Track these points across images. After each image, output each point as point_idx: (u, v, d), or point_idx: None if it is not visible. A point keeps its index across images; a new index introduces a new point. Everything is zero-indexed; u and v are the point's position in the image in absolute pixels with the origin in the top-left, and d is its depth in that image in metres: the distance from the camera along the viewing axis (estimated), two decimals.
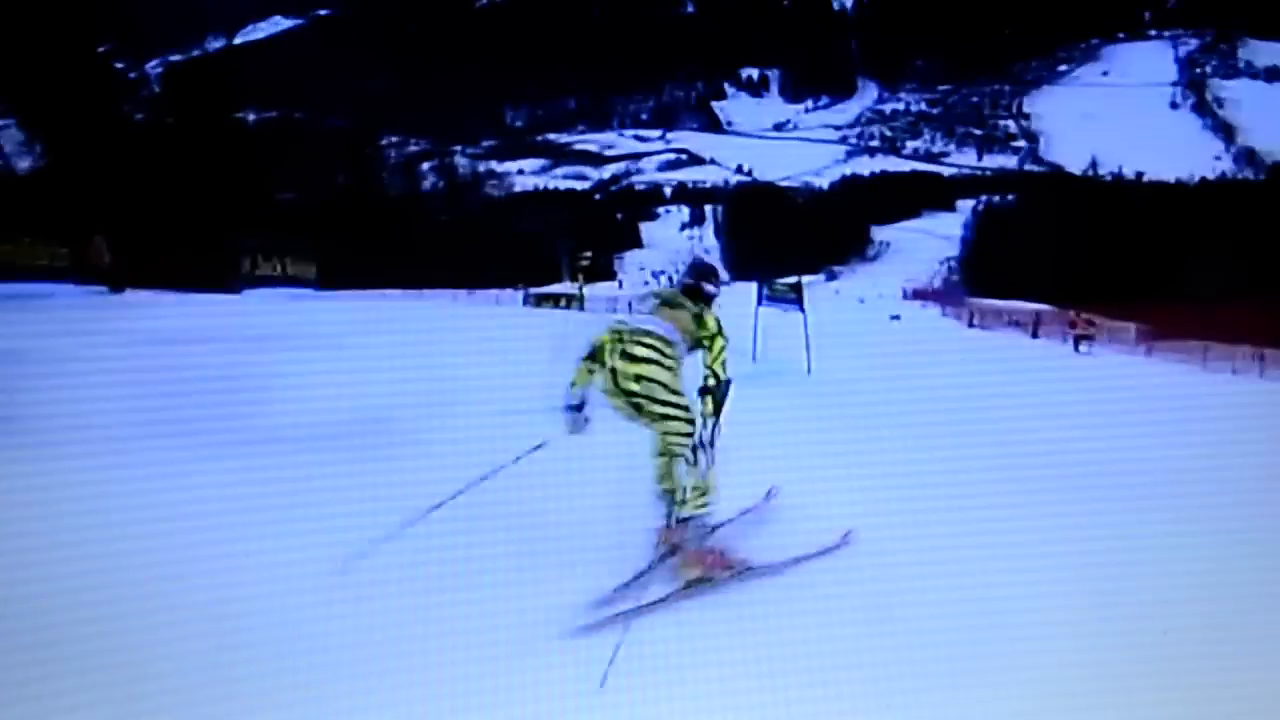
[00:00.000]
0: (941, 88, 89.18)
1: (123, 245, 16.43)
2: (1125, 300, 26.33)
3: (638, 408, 4.19)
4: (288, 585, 3.88)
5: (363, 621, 3.76)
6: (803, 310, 12.32)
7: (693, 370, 4.35)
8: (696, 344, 4.33)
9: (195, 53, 74.18)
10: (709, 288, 4.52)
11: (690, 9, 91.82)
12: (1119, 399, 9.34)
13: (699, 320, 4.34)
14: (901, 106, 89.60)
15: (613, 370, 4.19)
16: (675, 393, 4.21)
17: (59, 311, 12.16)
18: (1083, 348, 20.17)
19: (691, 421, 4.22)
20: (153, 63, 41.84)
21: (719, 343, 4.28)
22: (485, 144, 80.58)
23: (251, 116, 51.70)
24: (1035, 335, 25.02)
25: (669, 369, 4.21)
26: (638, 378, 4.15)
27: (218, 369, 7.41)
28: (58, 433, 5.25)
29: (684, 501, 4.23)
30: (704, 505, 4.29)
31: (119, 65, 34.13)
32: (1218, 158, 76.34)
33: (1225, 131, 78.51)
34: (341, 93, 72.00)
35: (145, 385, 6.24)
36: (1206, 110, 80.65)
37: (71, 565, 3.77)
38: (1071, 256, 41.21)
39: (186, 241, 20.77)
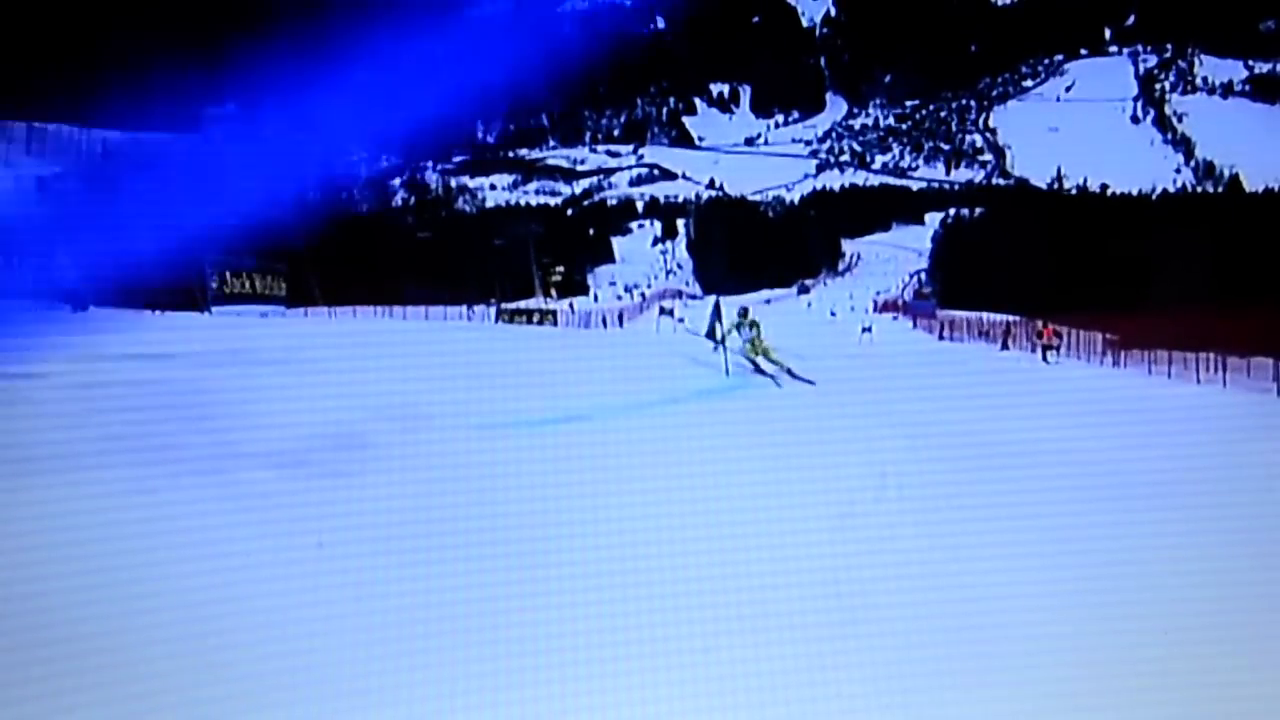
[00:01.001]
0: (909, 103, 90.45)
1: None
2: (1092, 310, 26.70)
3: (760, 353, 11.75)
4: (263, 602, 3.83)
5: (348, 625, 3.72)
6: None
7: None
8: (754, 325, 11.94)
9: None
10: (750, 311, 12.35)
11: (661, 25, 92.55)
12: (1085, 408, 9.49)
13: (748, 321, 11.96)
14: (870, 121, 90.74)
15: (749, 343, 11.74)
16: (766, 349, 11.74)
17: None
18: (1050, 357, 20.37)
19: (773, 362, 11.61)
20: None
21: (757, 324, 12.01)
22: (457, 159, 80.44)
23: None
24: (1005, 346, 25.25)
25: (760, 338, 11.79)
26: (756, 345, 11.75)
27: (187, 388, 7.30)
28: (24, 449, 5.15)
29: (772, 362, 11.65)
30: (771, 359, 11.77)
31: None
32: (1178, 170, 77.95)
33: (1185, 145, 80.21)
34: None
35: (113, 404, 6.14)
36: (1166, 125, 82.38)
37: (37, 580, 3.70)
38: (1039, 268, 41.77)
39: (153, 259, 20.46)
